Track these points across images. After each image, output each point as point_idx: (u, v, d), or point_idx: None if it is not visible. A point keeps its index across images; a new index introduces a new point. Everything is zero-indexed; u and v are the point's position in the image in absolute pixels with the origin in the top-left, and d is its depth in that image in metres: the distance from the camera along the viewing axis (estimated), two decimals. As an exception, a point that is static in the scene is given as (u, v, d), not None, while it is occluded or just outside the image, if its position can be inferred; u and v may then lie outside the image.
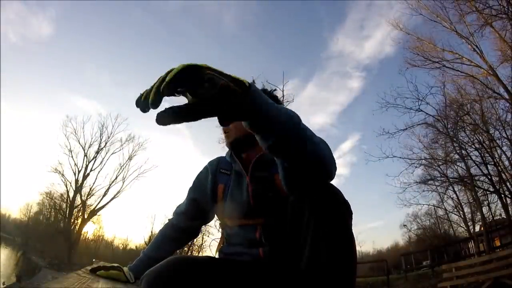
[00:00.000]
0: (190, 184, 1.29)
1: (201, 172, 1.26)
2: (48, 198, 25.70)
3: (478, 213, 15.70)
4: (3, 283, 11.73)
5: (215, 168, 1.21)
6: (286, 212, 0.85)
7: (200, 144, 52.76)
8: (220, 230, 1.25)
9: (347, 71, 43.40)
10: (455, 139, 12.26)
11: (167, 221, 1.32)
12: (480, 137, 12.74)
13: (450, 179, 13.78)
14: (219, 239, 1.25)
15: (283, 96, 9.94)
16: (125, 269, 1.23)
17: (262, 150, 1.08)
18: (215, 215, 1.27)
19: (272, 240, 0.99)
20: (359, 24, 49.40)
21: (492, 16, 9.93)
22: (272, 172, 1.05)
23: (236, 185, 1.12)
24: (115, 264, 1.28)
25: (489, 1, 9.76)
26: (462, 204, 18.60)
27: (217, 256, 1.15)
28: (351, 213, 0.81)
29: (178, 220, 1.28)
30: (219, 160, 1.25)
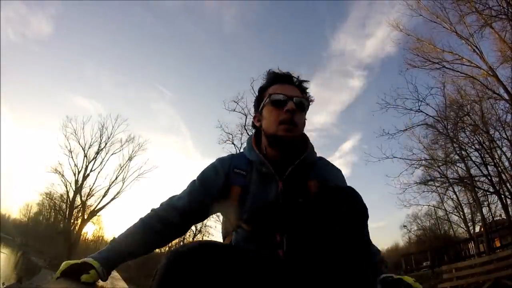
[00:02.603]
0: (191, 180, 1.15)
1: (207, 169, 1.14)
2: (48, 198, 25.83)
3: (478, 214, 15.74)
4: (3, 284, 11.72)
5: (227, 167, 1.10)
6: (311, 218, 0.84)
7: (200, 145, 52.89)
8: (222, 231, 1.17)
9: (349, 70, 43.40)
10: (455, 140, 12.26)
11: (150, 211, 1.10)
12: (480, 138, 12.73)
13: (450, 180, 13.78)
14: (223, 241, 1.14)
15: None
16: (96, 264, 0.93)
17: (302, 154, 1.06)
18: (222, 216, 1.19)
19: (294, 243, 0.93)
20: (361, 23, 49.50)
21: (492, 17, 9.93)
22: (306, 178, 1.04)
23: (261, 188, 1.04)
24: (79, 261, 0.94)
25: (488, 2, 9.76)
26: (462, 204, 18.64)
27: None
28: (368, 217, 0.84)
29: (169, 213, 1.07)
30: (231, 158, 1.15)
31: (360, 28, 46.55)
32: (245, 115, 19.34)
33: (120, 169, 24.29)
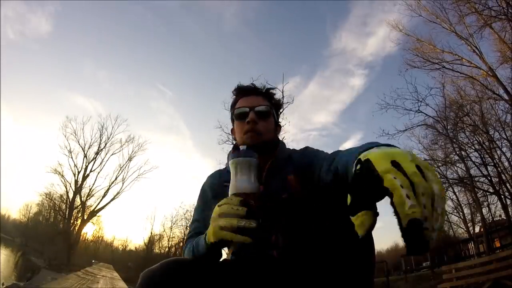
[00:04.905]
0: (194, 208, 1.20)
1: (202, 191, 1.18)
2: (47, 199, 25.90)
3: (478, 214, 15.71)
4: (3, 284, 11.69)
5: (217, 183, 1.13)
6: (301, 213, 0.86)
7: (200, 145, 52.98)
8: None
9: (350, 68, 43.42)
10: (454, 140, 12.27)
11: (187, 249, 1.04)
12: (480, 138, 12.75)
13: (450, 180, 13.78)
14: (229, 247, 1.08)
15: (283, 97, 9.93)
16: None
17: (273, 157, 1.06)
18: None
19: (288, 242, 0.93)
20: (362, 21, 49.54)
21: (491, 17, 9.94)
22: (285, 175, 1.02)
23: None
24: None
25: (488, 2, 9.76)
26: (462, 205, 18.62)
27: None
28: None
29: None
30: (220, 174, 1.17)
31: (361, 26, 46.50)
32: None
33: (120, 169, 24.59)
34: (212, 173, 1.21)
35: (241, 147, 0.91)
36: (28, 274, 16.52)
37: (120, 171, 24.52)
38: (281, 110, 1.25)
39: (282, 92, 10.01)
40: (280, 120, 1.26)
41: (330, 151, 1.00)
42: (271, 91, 1.19)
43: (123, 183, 24.39)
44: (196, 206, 1.20)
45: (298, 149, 1.16)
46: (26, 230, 31.10)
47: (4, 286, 11.24)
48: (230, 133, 1.28)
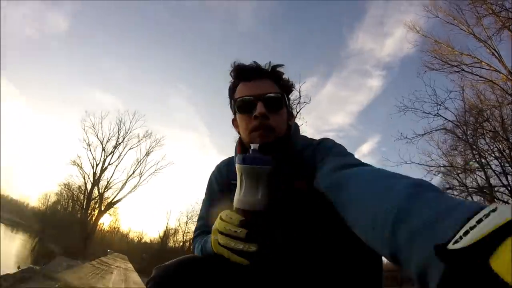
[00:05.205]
0: (202, 201, 1.10)
1: (209, 182, 1.07)
2: (66, 189, 26.67)
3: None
4: (18, 267, 12.13)
5: (224, 179, 1.01)
6: (307, 229, 0.76)
7: (217, 142, 53.30)
8: None
9: (367, 69, 42.42)
10: (474, 147, 11.91)
11: (195, 242, 1.00)
12: (500, 145, 12.34)
13: (469, 189, 13.40)
14: None
15: (300, 97, 9.89)
16: None
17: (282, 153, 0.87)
18: None
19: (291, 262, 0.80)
20: (379, 21, 48.35)
21: (509, 19, 9.57)
22: (292, 178, 0.84)
23: None
24: None
25: (505, 3, 9.35)
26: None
27: None
28: None
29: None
30: (228, 165, 1.04)
31: (378, 26, 45.32)
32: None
33: (138, 163, 24.99)
34: (221, 165, 1.07)
35: (252, 147, 0.76)
36: (44, 260, 17.09)
37: (138, 165, 24.93)
38: (291, 94, 1.01)
39: (299, 92, 9.98)
40: (293, 111, 1.04)
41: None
42: (278, 69, 0.95)
43: (140, 177, 24.83)
44: (204, 197, 1.09)
45: (315, 139, 0.96)
46: (44, 218, 32.12)
47: (19, 269, 11.69)
48: (232, 125, 1.04)
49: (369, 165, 0.70)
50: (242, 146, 0.96)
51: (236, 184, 0.78)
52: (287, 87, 0.96)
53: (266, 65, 0.94)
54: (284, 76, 0.95)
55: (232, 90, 0.97)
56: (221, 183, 1.02)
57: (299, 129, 0.99)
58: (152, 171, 25.03)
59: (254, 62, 0.94)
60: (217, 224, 0.74)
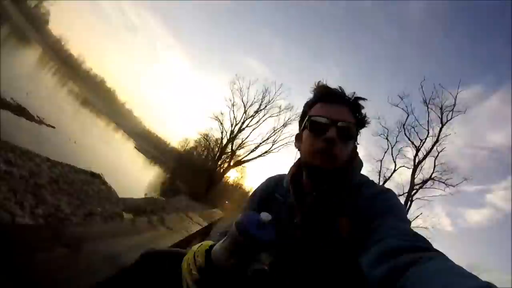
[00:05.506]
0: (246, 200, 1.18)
1: (253, 193, 1.15)
2: (204, 139, 30.07)
3: None
4: (145, 194, 13.97)
5: (271, 190, 1.06)
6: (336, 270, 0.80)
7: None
8: None
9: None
10: None
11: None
12: None
13: None
14: None
15: (454, 105, 8.34)
16: None
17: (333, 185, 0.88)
18: None
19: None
20: None
21: None
22: (337, 213, 0.84)
23: (286, 220, 0.93)
24: None
25: None
26: None
27: None
28: None
29: None
30: (277, 180, 1.07)
31: None
32: (407, 113, 17.41)
33: (273, 132, 25.91)
34: (271, 179, 1.12)
35: (264, 217, 0.65)
36: (170, 194, 19.53)
37: (273, 133, 25.89)
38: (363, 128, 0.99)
39: (455, 99, 8.30)
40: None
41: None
42: (359, 101, 0.94)
43: (272, 145, 25.81)
44: (244, 204, 1.17)
45: (377, 183, 0.93)
46: (179, 159, 37.21)
47: (146, 196, 13.49)
48: (295, 140, 1.01)
49: (435, 250, 0.62)
50: (297, 168, 0.99)
51: (278, 198, 0.99)
52: (362, 121, 0.96)
53: (350, 94, 0.94)
54: (363, 110, 0.95)
55: (308, 106, 0.98)
56: (264, 197, 1.07)
57: (362, 166, 0.98)
58: (285, 142, 25.66)
59: (340, 87, 0.95)
60: (188, 253, 0.73)
